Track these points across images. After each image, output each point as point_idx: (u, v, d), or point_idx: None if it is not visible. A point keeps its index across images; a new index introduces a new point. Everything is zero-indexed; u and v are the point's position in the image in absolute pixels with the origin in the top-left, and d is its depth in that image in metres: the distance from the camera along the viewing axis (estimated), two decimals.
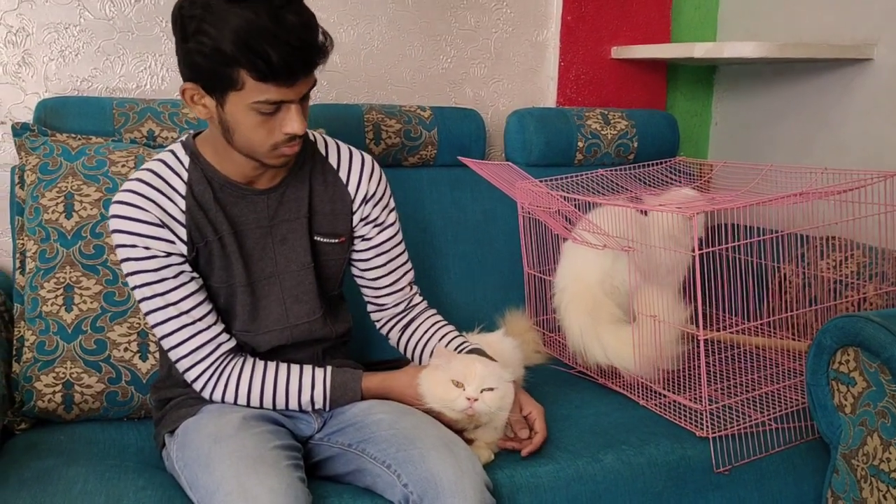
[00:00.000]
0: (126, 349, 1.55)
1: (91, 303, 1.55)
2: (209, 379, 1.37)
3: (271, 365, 1.40)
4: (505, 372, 1.39)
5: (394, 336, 1.59)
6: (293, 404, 1.39)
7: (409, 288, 1.58)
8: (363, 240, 1.51)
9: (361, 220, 1.49)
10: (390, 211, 1.53)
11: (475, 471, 1.25)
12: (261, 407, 1.38)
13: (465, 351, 1.48)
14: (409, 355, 1.57)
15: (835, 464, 1.50)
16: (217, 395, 1.38)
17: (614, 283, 1.73)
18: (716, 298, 1.73)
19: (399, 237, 1.55)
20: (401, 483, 1.23)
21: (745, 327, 1.73)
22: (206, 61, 1.22)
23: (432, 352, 1.49)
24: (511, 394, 1.39)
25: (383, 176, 1.52)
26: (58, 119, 1.72)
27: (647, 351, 1.61)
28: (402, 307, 1.57)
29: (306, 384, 1.39)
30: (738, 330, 1.72)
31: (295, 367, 1.40)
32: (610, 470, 1.43)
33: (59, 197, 1.59)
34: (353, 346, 1.66)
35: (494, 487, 1.31)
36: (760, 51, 2.05)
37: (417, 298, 1.59)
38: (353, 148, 1.52)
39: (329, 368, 1.41)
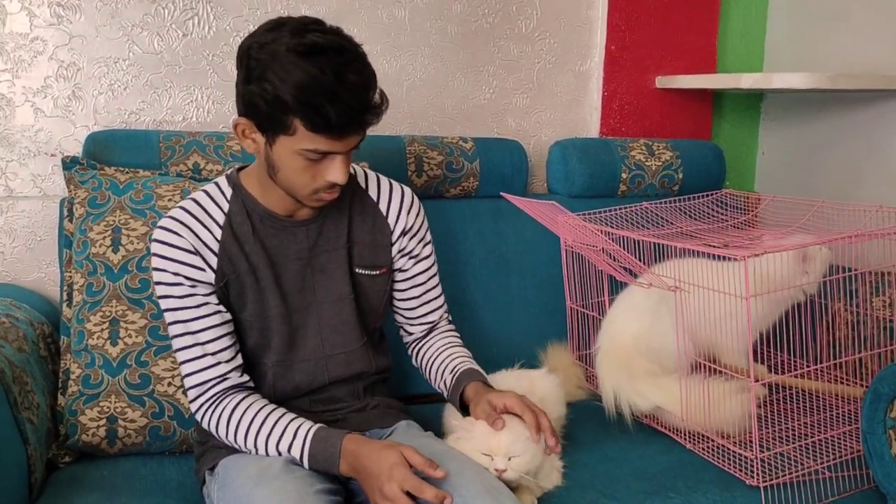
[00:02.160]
0: (169, 384, 1.56)
1: (136, 337, 1.56)
2: (206, 410, 1.37)
3: (267, 407, 1.35)
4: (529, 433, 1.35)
5: (413, 357, 1.63)
6: (272, 449, 1.31)
7: (441, 321, 1.61)
8: (400, 271, 1.54)
9: (399, 251, 1.51)
10: (426, 244, 1.56)
11: None
12: (245, 447, 1.33)
13: (459, 372, 1.47)
14: (423, 373, 1.60)
15: None
16: (212, 427, 1.37)
17: (651, 343, 1.69)
18: (767, 336, 1.69)
19: (433, 270, 1.57)
20: None
21: (800, 372, 1.68)
22: (265, 105, 1.24)
23: (438, 375, 1.53)
24: (539, 456, 1.37)
25: (422, 209, 1.55)
26: (106, 152, 1.74)
27: (698, 408, 1.57)
28: (427, 332, 1.61)
29: (289, 431, 1.31)
30: (792, 375, 1.66)
31: (287, 415, 1.33)
32: None
33: (106, 231, 1.61)
34: (392, 383, 1.65)
35: None
36: (811, 82, 2.01)
37: (443, 324, 1.62)
38: (392, 181, 1.54)
39: (319, 425, 1.32)
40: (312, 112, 1.22)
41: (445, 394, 1.52)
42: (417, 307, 1.57)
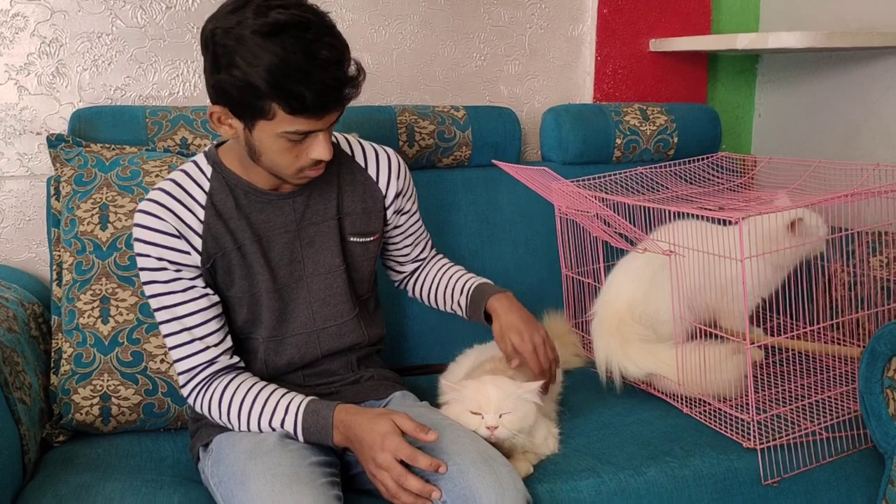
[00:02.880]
0: (162, 360, 1.55)
1: (127, 314, 1.55)
2: (198, 394, 1.37)
3: (257, 385, 1.35)
4: (521, 390, 1.35)
5: (409, 288, 1.68)
6: (265, 426, 1.31)
7: (429, 254, 1.66)
8: (395, 227, 1.56)
9: (395, 212, 1.53)
10: (415, 199, 1.59)
11: (516, 488, 1.22)
12: (239, 426, 1.33)
13: (470, 285, 1.53)
14: (424, 301, 1.65)
15: (890, 475, 1.44)
16: (204, 410, 1.37)
17: (647, 310, 1.67)
18: (768, 301, 1.67)
19: (418, 215, 1.62)
20: (440, 500, 1.20)
21: (796, 333, 1.67)
22: (238, 94, 1.21)
23: (449, 297, 1.58)
24: (532, 414, 1.36)
25: (407, 169, 1.56)
26: (92, 129, 1.72)
27: (693, 373, 1.56)
28: (418, 266, 1.66)
29: (280, 407, 1.30)
30: (788, 336, 1.65)
31: (278, 391, 1.33)
32: (654, 483, 1.38)
33: (94, 208, 1.59)
34: (387, 353, 1.64)
35: (535, 503, 1.28)
36: (806, 41, 1.97)
37: (431, 254, 1.67)
38: (375, 145, 1.53)
39: (310, 397, 1.32)
40: (288, 95, 1.18)
41: (461, 312, 1.56)
42: (411, 251, 1.62)
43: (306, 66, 1.18)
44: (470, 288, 1.54)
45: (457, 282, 1.58)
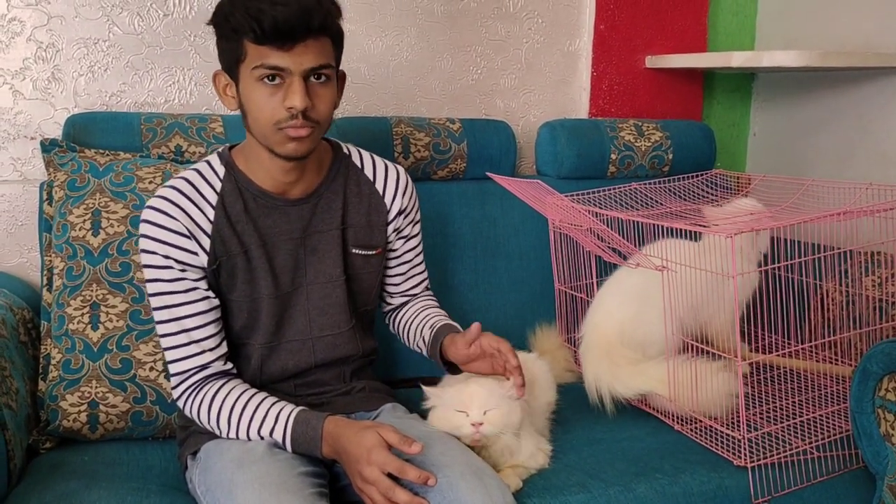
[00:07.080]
0: (151, 368, 1.54)
1: (117, 321, 1.54)
2: (188, 397, 1.35)
3: (248, 392, 1.34)
4: (503, 389, 1.34)
5: (390, 322, 1.64)
6: (254, 434, 1.30)
7: (421, 292, 1.62)
8: (390, 251, 1.53)
9: (394, 231, 1.51)
10: (416, 223, 1.56)
11: (505, 501, 1.21)
12: (228, 432, 1.32)
13: (438, 326, 1.47)
14: (400, 336, 1.62)
15: (881, 496, 1.43)
16: (194, 413, 1.36)
17: (636, 333, 1.66)
18: (755, 317, 1.67)
19: (420, 248, 1.58)
20: None
21: (787, 351, 1.67)
22: (223, 39, 1.28)
23: (416, 333, 1.54)
24: (517, 412, 1.35)
25: (415, 190, 1.55)
26: (86, 135, 1.71)
27: (685, 390, 1.55)
28: (406, 301, 1.62)
29: (270, 415, 1.29)
30: (779, 354, 1.65)
31: (268, 399, 1.32)
32: (643, 500, 1.37)
33: (86, 214, 1.58)
34: (378, 365, 1.63)
35: None
36: (801, 59, 1.98)
37: (422, 292, 1.62)
38: (386, 160, 1.53)
39: (300, 408, 1.31)
40: (252, 20, 1.21)
41: (424, 351, 1.52)
42: (402, 283, 1.58)
43: None
44: (437, 324, 1.49)
45: (428, 318, 1.53)
